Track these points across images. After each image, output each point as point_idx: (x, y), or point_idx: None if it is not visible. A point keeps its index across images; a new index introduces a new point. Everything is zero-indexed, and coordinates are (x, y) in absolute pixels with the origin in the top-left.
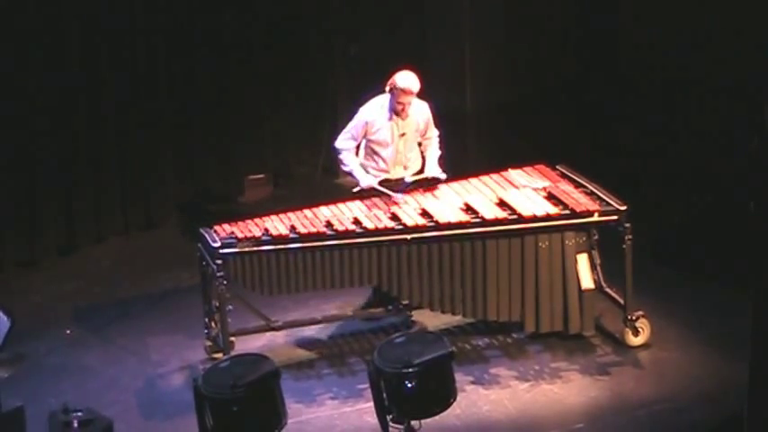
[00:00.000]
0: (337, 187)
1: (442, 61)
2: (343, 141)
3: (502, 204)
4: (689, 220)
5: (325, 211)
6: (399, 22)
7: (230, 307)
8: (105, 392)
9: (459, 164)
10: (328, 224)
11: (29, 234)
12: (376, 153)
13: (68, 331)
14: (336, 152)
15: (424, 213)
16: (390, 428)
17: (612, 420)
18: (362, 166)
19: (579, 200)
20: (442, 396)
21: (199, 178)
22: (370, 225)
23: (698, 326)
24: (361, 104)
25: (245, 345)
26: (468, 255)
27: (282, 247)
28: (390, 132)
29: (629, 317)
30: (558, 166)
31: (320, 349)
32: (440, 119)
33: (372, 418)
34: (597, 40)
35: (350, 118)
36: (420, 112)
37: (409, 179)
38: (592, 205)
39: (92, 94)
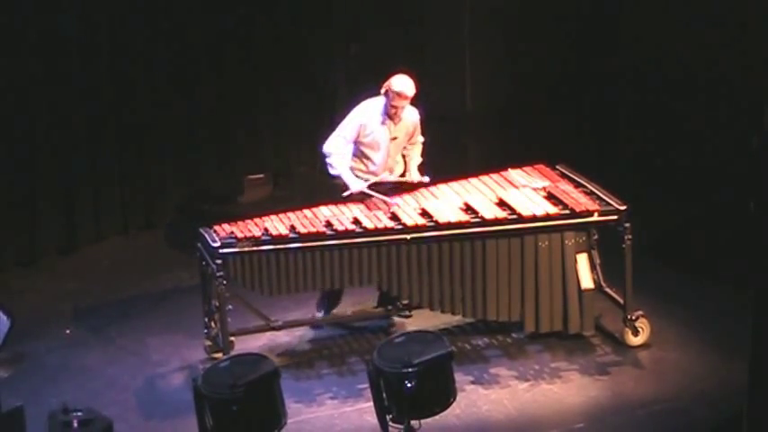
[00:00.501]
0: (337, 187)
1: (442, 61)
2: (334, 144)
3: (502, 204)
4: (689, 220)
5: (324, 211)
6: (399, 23)
7: (230, 307)
8: (105, 392)
9: (459, 164)
10: (328, 224)
11: (29, 234)
12: (366, 156)
13: (68, 331)
14: (325, 155)
15: (424, 213)
16: (390, 428)
17: (612, 420)
18: (351, 169)
19: (579, 200)
20: (442, 396)
21: (199, 178)
22: (369, 225)
23: (698, 326)
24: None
25: (245, 344)
26: (468, 255)
27: (282, 246)
28: (383, 136)
29: (629, 317)
30: (557, 166)
31: (320, 349)
32: (440, 119)
33: (372, 418)
34: (597, 40)
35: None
36: (411, 117)
37: (391, 178)
38: (591, 205)
39: (92, 94)
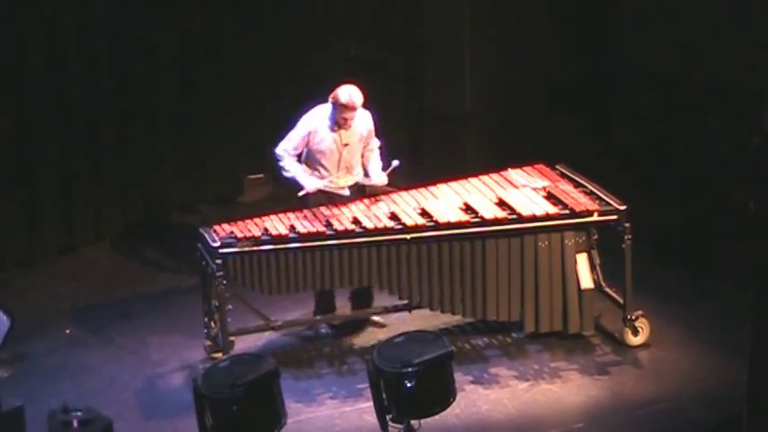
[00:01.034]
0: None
1: (442, 61)
2: (284, 148)
3: (501, 204)
4: (689, 220)
5: (324, 211)
6: (399, 23)
7: (230, 306)
8: (105, 392)
9: (459, 164)
10: (328, 224)
11: (28, 234)
12: (318, 162)
13: (68, 331)
14: (277, 158)
15: (424, 213)
16: (390, 428)
17: (612, 420)
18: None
19: (579, 199)
20: (442, 396)
21: (199, 178)
22: (369, 225)
23: (698, 326)
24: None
25: (245, 344)
26: (468, 254)
27: (282, 246)
28: (333, 142)
29: (629, 316)
30: (557, 166)
31: (320, 349)
32: (439, 119)
33: (372, 418)
34: (597, 40)
35: None
36: (363, 121)
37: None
38: (591, 205)
39: (91, 94)
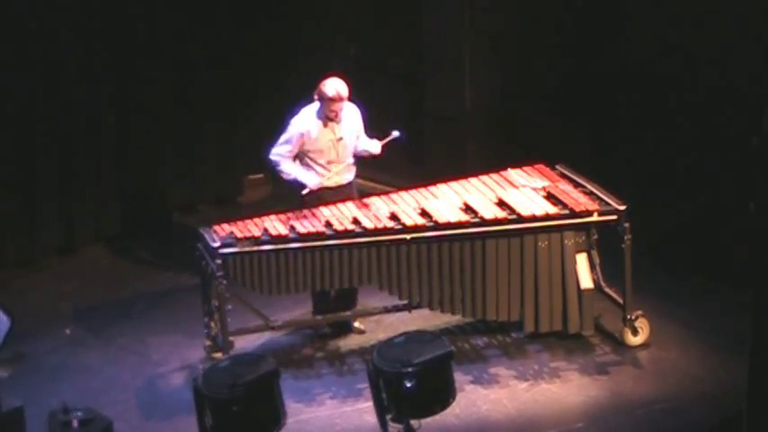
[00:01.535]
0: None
1: (442, 61)
2: (278, 153)
3: (501, 204)
4: (689, 220)
5: (324, 211)
6: (399, 23)
7: (230, 307)
8: (105, 392)
9: (459, 164)
10: (328, 224)
11: (29, 234)
12: (314, 161)
13: (68, 331)
14: (274, 164)
15: (424, 213)
16: (390, 428)
17: (612, 420)
18: None
19: (578, 199)
20: (442, 395)
21: (199, 178)
22: (369, 225)
23: (697, 326)
24: (358, 105)
25: (245, 344)
26: (468, 254)
27: (282, 246)
28: (327, 139)
29: (629, 316)
30: (557, 166)
31: (320, 349)
32: (439, 119)
33: (372, 418)
34: (597, 40)
35: None
36: (353, 115)
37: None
38: (591, 205)
39: (91, 94)
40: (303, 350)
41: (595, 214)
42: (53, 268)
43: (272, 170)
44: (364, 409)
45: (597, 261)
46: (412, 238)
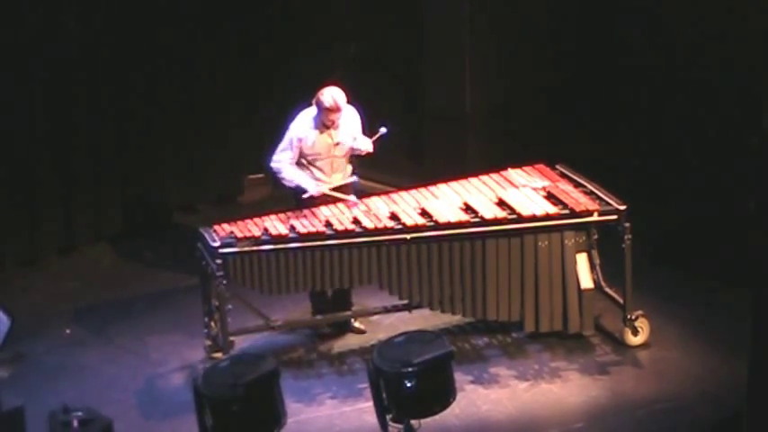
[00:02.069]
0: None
1: (442, 61)
2: (279, 160)
3: (501, 204)
4: (689, 220)
5: (324, 211)
6: (399, 23)
7: (230, 306)
8: (105, 392)
9: (459, 164)
10: (328, 224)
11: (29, 234)
12: (312, 164)
13: (68, 331)
14: (275, 171)
15: (424, 213)
16: (390, 428)
17: (612, 420)
18: None
19: (579, 199)
20: (442, 395)
21: (199, 178)
22: (369, 225)
23: (698, 326)
24: (358, 105)
25: (245, 344)
26: (468, 254)
27: (282, 246)
28: (324, 144)
29: (629, 316)
30: (557, 166)
31: (320, 349)
32: (439, 119)
33: (372, 418)
34: (596, 41)
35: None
36: (352, 119)
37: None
38: (591, 205)
39: (91, 94)
40: (303, 350)
41: (595, 214)
42: (53, 268)
43: (273, 177)
44: (364, 409)
45: (597, 261)
46: (412, 238)
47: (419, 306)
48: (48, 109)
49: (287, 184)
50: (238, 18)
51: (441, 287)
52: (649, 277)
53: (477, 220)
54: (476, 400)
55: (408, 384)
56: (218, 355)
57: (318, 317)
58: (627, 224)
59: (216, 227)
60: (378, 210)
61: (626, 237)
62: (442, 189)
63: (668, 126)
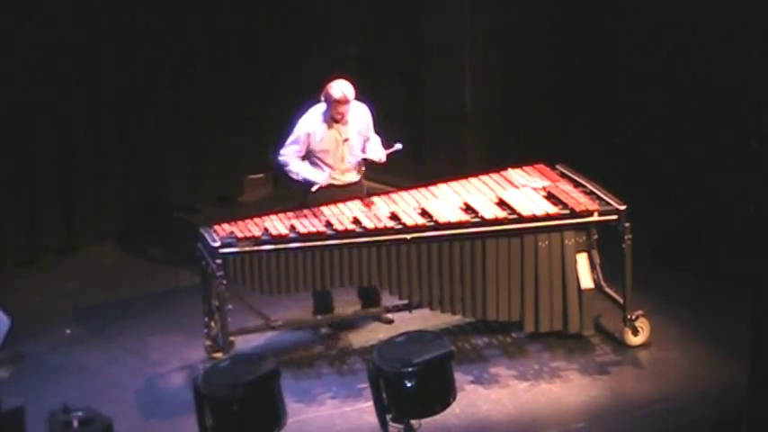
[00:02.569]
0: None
1: (442, 61)
2: (286, 154)
3: (501, 204)
4: (689, 220)
5: (324, 211)
6: (399, 23)
7: (230, 307)
8: (105, 392)
9: (459, 164)
10: (328, 224)
11: (29, 234)
12: (321, 160)
13: (68, 331)
14: (282, 164)
15: (424, 213)
16: (390, 428)
17: (612, 420)
18: None
19: (579, 199)
20: (442, 395)
21: (199, 178)
22: (369, 225)
23: (698, 326)
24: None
25: (245, 344)
26: (468, 254)
27: (282, 246)
28: (333, 139)
29: (629, 316)
30: (557, 166)
31: (320, 349)
32: (439, 119)
33: (372, 418)
34: (596, 41)
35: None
36: (361, 115)
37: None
38: (591, 205)
39: (92, 94)
40: (303, 350)
41: (595, 214)
42: (53, 268)
43: (280, 171)
44: (364, 409)
45: (597, 261)
46: (412, 238)
47: (419, 306)
48: (48, 109)
49: (294, 177)
50: (239, 18)
51: (441, 287)
52: (649, 277)
53: (477, 220)
54: (476, 400)
55: (408, 384)
56: (219, 355)
57: (319, 317)
58: (627, 224)
59: (216, 227)
60: (378, 210)
61: (626, 237)
62: (442, 189)
63: (668, 126)
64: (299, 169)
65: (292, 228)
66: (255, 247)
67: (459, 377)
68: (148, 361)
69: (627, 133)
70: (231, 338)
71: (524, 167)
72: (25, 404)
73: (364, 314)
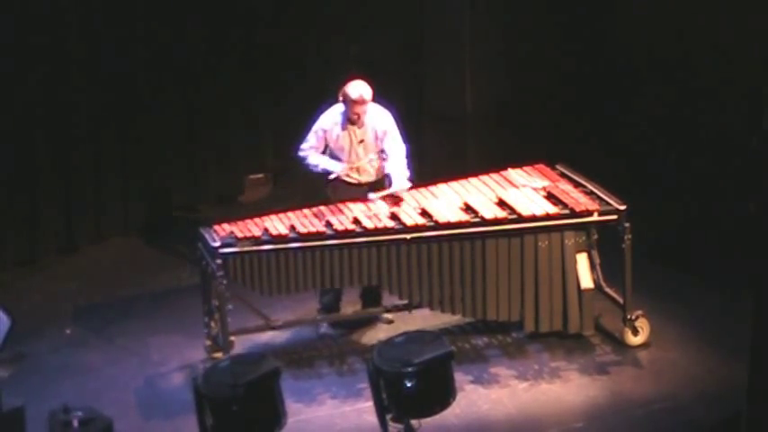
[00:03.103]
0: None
1: (442, 61)
2: (304, 149)
3: (501, 204)
4: (688, 220)
5: (324, 211)
6: (399, 23)
7: (230, 306)
8: (105, 392)
9: (459, 164)
10: (328, 224)
11: (29, 234)
12: (336, 157)
13: (68, 331)
14: (301, 159)
15: (424, 213)
16: (390, 428)
17: (611, 420)
18: None
19: (579, 199)
20: (442, 395)
21: (199, 178)
22: (369, 225)
23: (697, 326)
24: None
25: (245, 344)
26: (468, 254)
27: (282, 246)
28: (348, 140)
29: (629, 316)
30: (557, 166)
31: (320, 349)
32: (439, 119)
33: (372, 418)
34: (597, 40)
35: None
36: (379, 119)
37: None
38: (591, 205)
39: (92, 94)
40: (303, 350)
41: (595, 214)
42: (53, 268)
43: (300, 165)
44: (364, 409)
45: (597, 261)
46: (412, 238)
47: (419, 306)
48: (48, 109)
49: (313, 170)
50: (239, 19)
51: (441, 287)
52: (649, 277)
53: (477, 220)
54: (476, 400)
55: (408, 384)
56: (219, 355)
57: (319, 317)
58: (627, 224)
59: (216, 227)
60: (378, 210)
61: (626, 237)
62: (441, 189)
63: (668, 126)
64: (318, 161)
65: (292, 228)
66: (255, 247)
67: (459, 377)
68: (149, 361)
69: (627, 133)
70: (231, 338)
71: (524, 167)
72: (25, 404)
73: (364, 314)
